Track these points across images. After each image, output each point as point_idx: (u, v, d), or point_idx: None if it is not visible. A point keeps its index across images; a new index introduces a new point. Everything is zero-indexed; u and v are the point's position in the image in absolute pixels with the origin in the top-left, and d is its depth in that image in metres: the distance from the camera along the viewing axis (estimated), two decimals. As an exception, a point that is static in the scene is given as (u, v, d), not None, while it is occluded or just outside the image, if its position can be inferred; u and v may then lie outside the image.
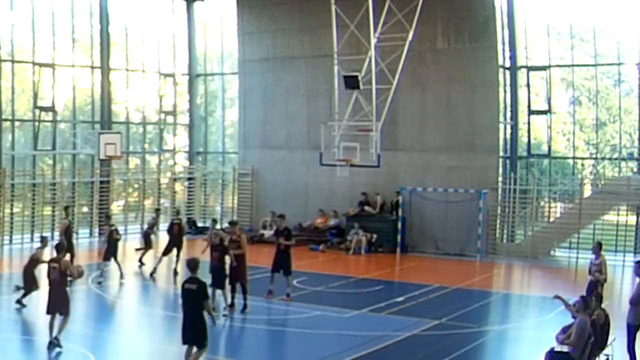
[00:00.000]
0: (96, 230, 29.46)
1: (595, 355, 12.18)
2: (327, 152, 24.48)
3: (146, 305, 19.20)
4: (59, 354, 13.47)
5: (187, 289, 12.15)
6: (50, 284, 13.99)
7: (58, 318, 13.75)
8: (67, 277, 14.02)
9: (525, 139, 29.01)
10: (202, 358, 12.18)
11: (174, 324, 16.75)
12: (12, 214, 27.42)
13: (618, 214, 26.92)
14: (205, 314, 11.99)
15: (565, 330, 12.04)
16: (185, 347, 12.16)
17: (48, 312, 13.88)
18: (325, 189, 29.32)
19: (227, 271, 17.01)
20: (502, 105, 27.89)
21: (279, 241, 18.60)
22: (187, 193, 32.91)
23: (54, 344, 13.59)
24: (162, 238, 23.26)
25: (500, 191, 27.21)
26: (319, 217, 29.23)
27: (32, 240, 27.26)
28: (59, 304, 13.81)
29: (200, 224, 31.68)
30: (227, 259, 17.22)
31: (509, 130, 28.53)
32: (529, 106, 28.77)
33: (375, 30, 23.37)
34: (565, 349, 11.84)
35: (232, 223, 18.45)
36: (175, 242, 21.75)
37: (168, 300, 19.41)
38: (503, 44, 27.74)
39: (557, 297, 13.12)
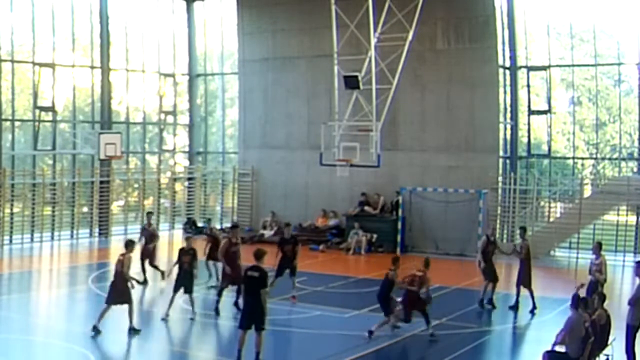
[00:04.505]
0: (96, 230, 29.50)
1: (595, 355, 12.18)
2: (327, 152, 24.45)
3: (146, 305, 19.17)
4: (134, 335, 14.75)
5: (250, 276, 12.90)
6: (114, 275, 15.28)
7: (120, 307, 14.97)
8: (127, 270, 15.02)
9: (525, 139, 29.01)
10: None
11: (174, 324, 16.77)
12: (12, 214, 27.42)
13: (618, 214, 26.92)
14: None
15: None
16: (240, 332, 13.02)
17: (107, 302, 15.03)
18: (325, 189, 29.32)
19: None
20: (502, 105, 27.89)
21: (285, 249, 18.46)
22: (187, 193, 32.91)
23: (132, 332, 14.84)
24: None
25: (500, 191, 27.22)
26: (320, 216, 29.24)
27: (32, 240, 27.31)
28: (121, 295, 14.94)
29: (200, 224, 31.67)
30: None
31: (509, 130, 28.52)
32: (529, 106, 28.78)
33: (375, 30, 23.35)
34: (563, 348, 11.84)
35: (234, 226, 18.82)
36: None
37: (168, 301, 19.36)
38: (503, 44, 27.74)
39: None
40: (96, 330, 14.73)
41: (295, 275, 18.54)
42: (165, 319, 16.27)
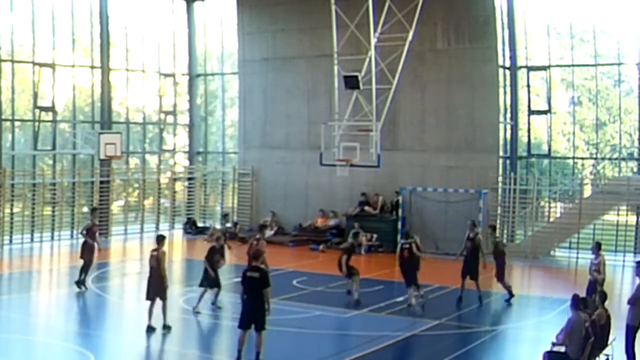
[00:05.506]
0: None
1: (595, 355, 12.18)
2: (327, 152, 24.46)
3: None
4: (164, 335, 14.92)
5: (250, 277, 12.99)
6: (149, 271, 15.36)
7: (159, 303, 15.04)
8: (163, 265, 15.18)
9: (525, 139, 29.01)
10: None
11: (174, 323, 16.77)
12: (12, 214, 27.41)
13: (618, 214, 26.92)
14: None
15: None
16: (240, 332, 13.04)
17: (147, 298, 15.18)
18: (325, 189, 29.32)
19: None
20: (502, 105, 27.89)
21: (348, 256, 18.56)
22: (187, 193, 32.90)
23: (165, 329, 15.04)
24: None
25: (500, 191, 27.21)
26: (319, 217, 29.23)
27: (32, 240, 27.31)
28: (157, 290, 15.11)
29: (200, 224, 31.68)
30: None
31: (509, 130, 28.53)
32: (529, 106, 28.78)
33: (375, 30, 23.37)
34: (562, 348, 11.84)
35: (262, 226, 19.91)
36: None
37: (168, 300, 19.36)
38: (503, 44, 27.74)
39: None
40: (150, 329, 15.02)
41: (354, 275, 18.53)
42: (211, 309, 16.94)
